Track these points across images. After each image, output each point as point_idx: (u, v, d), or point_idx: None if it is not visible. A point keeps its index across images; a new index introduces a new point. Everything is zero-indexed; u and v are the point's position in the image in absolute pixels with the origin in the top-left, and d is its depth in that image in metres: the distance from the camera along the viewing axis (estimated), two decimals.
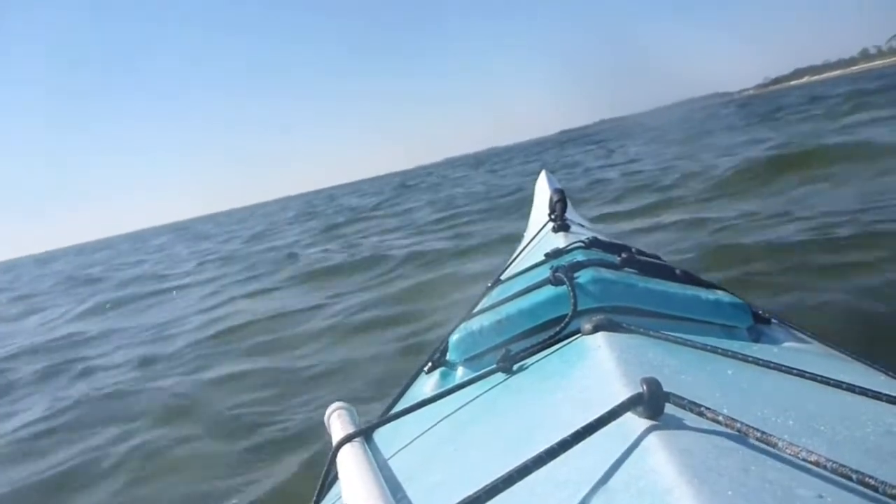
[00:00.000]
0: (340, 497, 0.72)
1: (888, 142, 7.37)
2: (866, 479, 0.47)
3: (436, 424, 0.87)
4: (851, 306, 2.96)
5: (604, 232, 2.35)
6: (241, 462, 2.85)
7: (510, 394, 0.84)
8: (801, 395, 0.71)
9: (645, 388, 0.56)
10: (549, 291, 1.06)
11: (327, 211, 23.60)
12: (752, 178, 7.22)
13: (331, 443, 0.88)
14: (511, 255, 2.29)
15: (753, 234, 4.72)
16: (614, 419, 0.56)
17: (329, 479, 0.90)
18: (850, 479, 0.47)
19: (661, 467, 0.49)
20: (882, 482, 0.46)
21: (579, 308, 0.98)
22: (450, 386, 0.93)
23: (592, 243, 1.44)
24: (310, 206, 32.94)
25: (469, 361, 1.10)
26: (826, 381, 0.71)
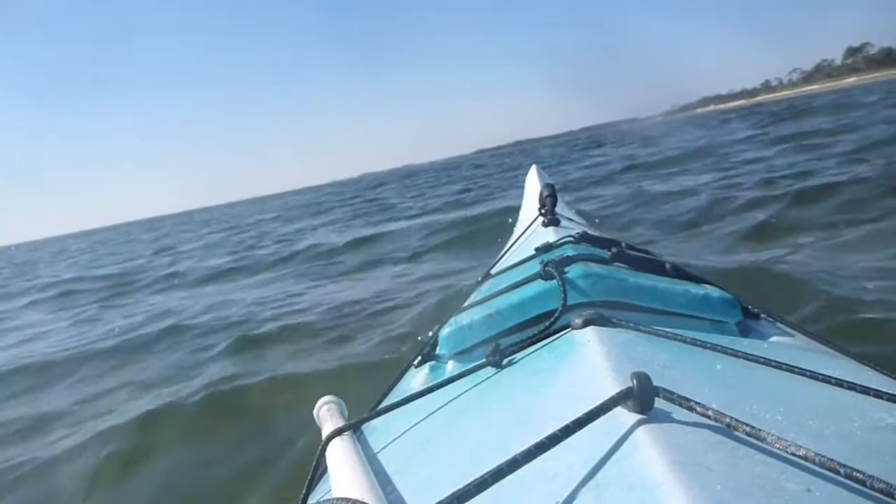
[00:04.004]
0: (330, 490, 0.72)
1: None
2: (854, 473, 0.47)
3: (425, 419, 0.87)
4: None
5: (594, 227, 2.36)
6: None
7: (500, 388, 0.84)
8: (789, 390, 0.71)
9: (635, 382, 0.56)
10: (538, 286, 1.06)
11: None
12: None
13: (320, 436, 0.88)
14: (501, 249, 2.29)
15: None
16: (604, 413, 0.56)
17: (318, 472, 0.90)
18: (837, 472, 0.48)
19: (651, 461, 0.49)
20: (869, 476, 0.46)
21: (569, 303, 0.98)
22: (439, 380, 0.93)
23: (582, 238, 1.44)
24: None
25: (459, 356, 1.10)
26: (814, 377, 0.71)
